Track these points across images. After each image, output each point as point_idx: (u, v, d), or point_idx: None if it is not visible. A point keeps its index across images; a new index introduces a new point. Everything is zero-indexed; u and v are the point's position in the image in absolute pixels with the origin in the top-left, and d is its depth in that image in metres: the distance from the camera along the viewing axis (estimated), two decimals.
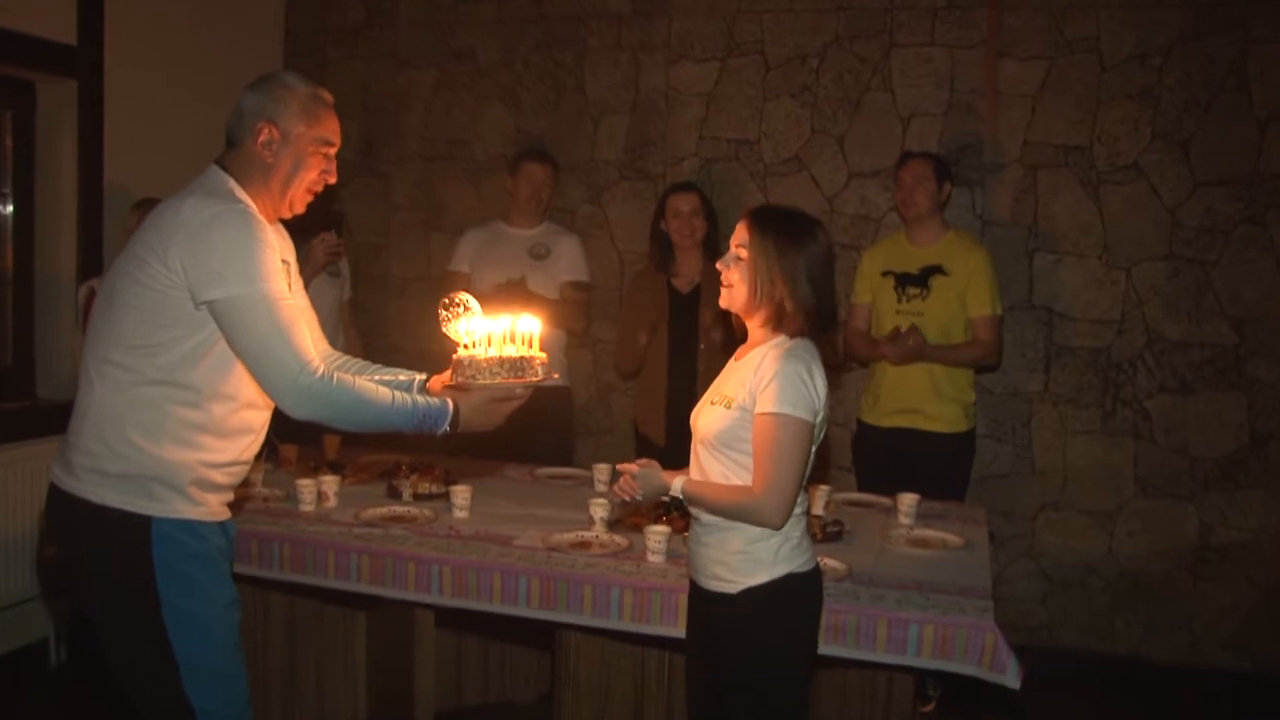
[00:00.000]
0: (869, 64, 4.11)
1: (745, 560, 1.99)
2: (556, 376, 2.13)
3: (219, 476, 1.99)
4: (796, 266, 1.97)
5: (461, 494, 2.85)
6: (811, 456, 2.01)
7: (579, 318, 3.88)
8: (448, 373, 2.11)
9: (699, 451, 2.07)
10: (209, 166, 2.01)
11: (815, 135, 4.20)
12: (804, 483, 1.99)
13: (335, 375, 1.90)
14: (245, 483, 2.78)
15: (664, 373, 3.64)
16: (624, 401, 4.51)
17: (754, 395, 1.95)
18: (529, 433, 3.75)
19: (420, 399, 2.02)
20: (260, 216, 1.92)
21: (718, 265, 2.07)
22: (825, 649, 2.18)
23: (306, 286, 3.36)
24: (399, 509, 2.86)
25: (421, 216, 4.82)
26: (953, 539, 2.69)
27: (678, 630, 2.27)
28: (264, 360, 1.86)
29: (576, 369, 4.50)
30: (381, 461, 3.34)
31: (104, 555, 1.92)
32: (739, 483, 1.98)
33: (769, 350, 1.99)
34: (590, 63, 4.50)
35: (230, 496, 2.07)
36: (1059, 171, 3.91)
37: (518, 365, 2.05)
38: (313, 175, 2.03)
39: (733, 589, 2.00)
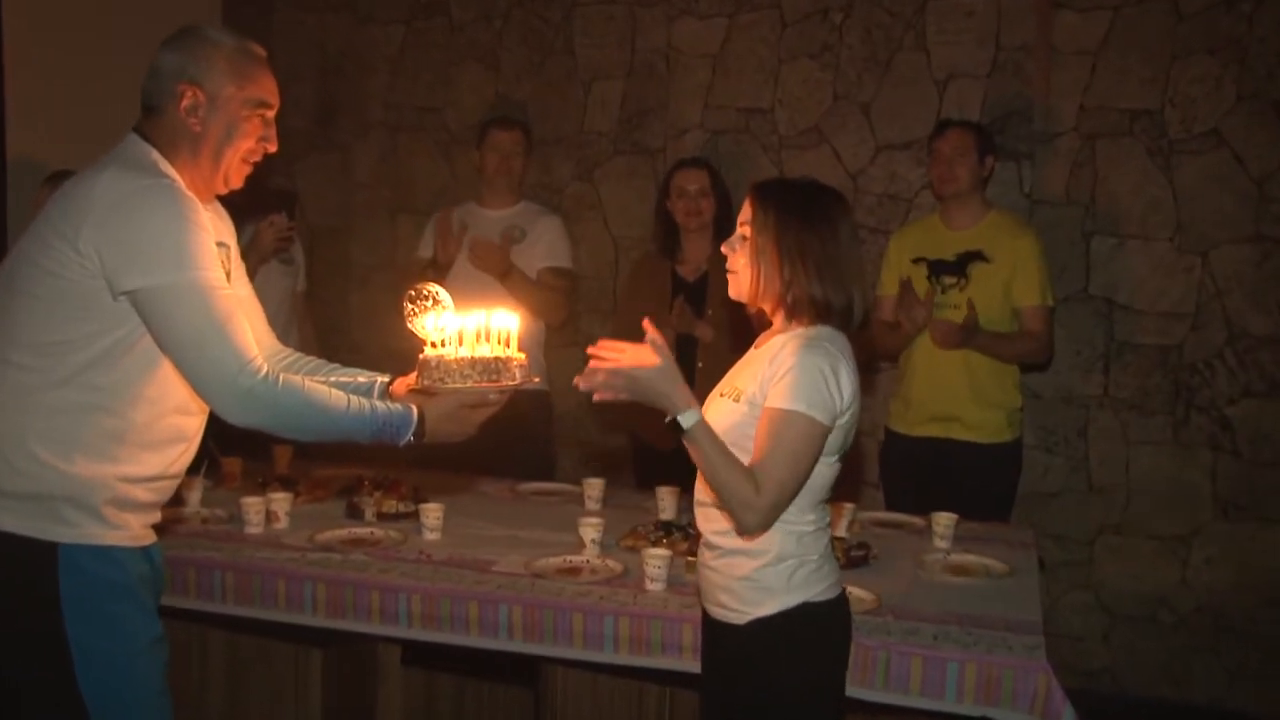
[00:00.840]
0: (900, 19, 4.11)
1: (753, 587, 1.98)
2: (537, 380, 2.12)
3: (141, 493, 1.97)
4: (804, 248, 1.95)
5: (432, 513, 2.84)
6: (832, 471, 2.00)
7: (558, 308, 3.87)
8: (413, 375, 2.11)
9: None
10: (127, 135, 1.98)
11: (838, 102, 4.20)
12: (797, 493, 1.95)
13: (281, 376, 1.89)
14: (179, 501, 2.78)
15: None
16: (616, 407, 4.49)
17: (765, 388, 1.94)
18: (505, 443, 3.76)
19: (381, 404, 2.01)
20: (190, 193, 1.90)
21: (723, 249, 2.06)
22: (851, 690, 2.16)
23: (253, 275, 3.36)
24: (360, 531, 2.86)
25: (386, 195, 4.82)
26: (996, 565, 2.69)
27: (682, 663, 2.28)
28: (197, 359, 1.84)
29: (563, 370, 4.49)
30: (340, 476, 3.34)
31: (2, 589, 1.89)
32: None
33: (788, 340, 1.97)
34: (580, 19, 4.50)
35: (155, 517, 2.05)
36: (1122, 141, 3.91)
37: (492, 367, 2.04)
38: (249, 144, 2.00)
39: (740, 619, 1.99)
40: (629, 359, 1.92)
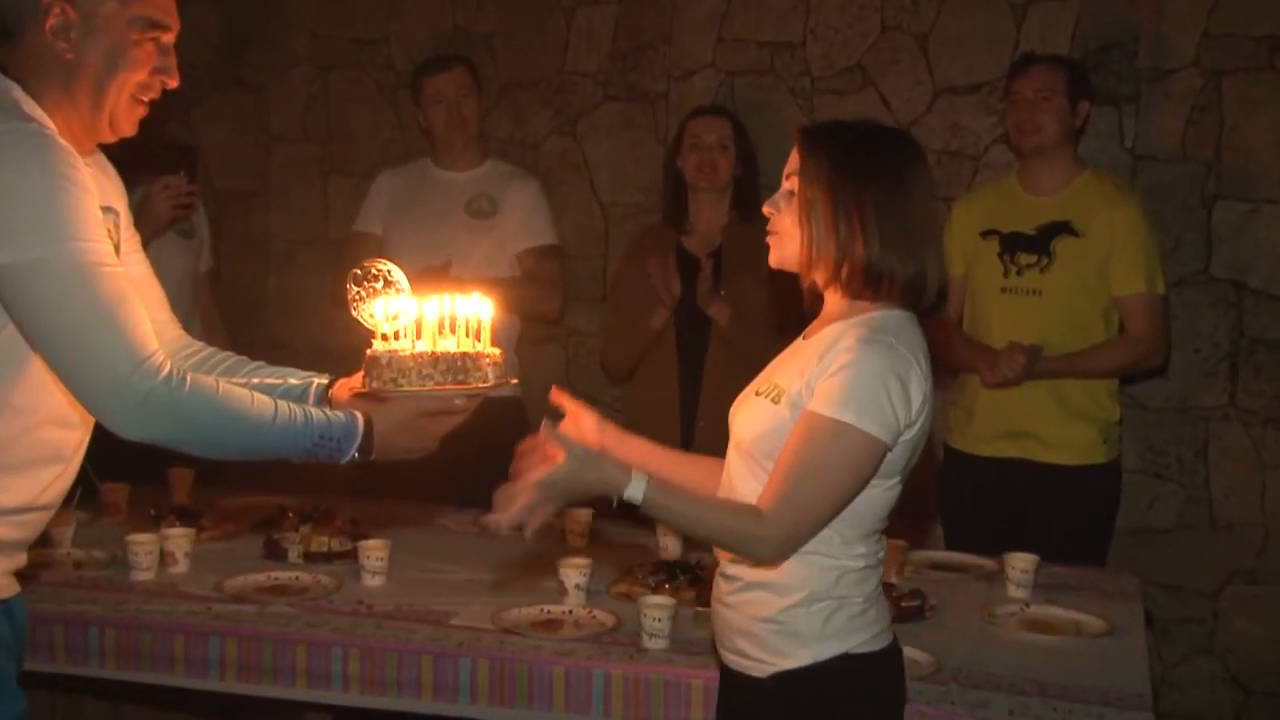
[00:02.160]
0: None
1: (779, 632, 1.96)
2: (515, 381, 2.12)
3: (4, 530, 1.95)
4: (864, 204, 1.95)
5: (374, 553, 2.83)
6: (891, 495, 1.99)
7: (547, 298, 3.88)
8: (358, 375, 2.10)
9: (732, 460, 2.06)
10: None
11: (887, 34, 4.21)
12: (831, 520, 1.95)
13: (189, 377, 1.87)
14: (45, 541, 2.76)
15: (672, 372, 3.64)
16: (609, 417, 4.48)
17: (813, 386, 1.94)
18: (468, 464, 3.75)
19: (317, 412, 2.00)
20: (64, 143, 1.86)
21: (765, 209, 2.05)
22: None
23: (145, 249, 3.33)
24: (283, 575, 2.85)
25: (315, 151, 4.81)
26: (1090, 621, 2.68)
27: None
28: (78, 355, 1.81)
29: (541, 372, 4.49)
30: (256, 506, 3.32)
31: None
32: None
33: (847, 329, 1.96)
34: None
35: (21, 560, 2.02)
36: (1259, 77, 3.90)
37: (459, 365, 2.04)
38: (139, 76, 1.96)
39: (761, 671, 1.98)
40: (532, 471, 1.94)
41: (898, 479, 2.00)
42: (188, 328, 3.43)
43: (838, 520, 1.94)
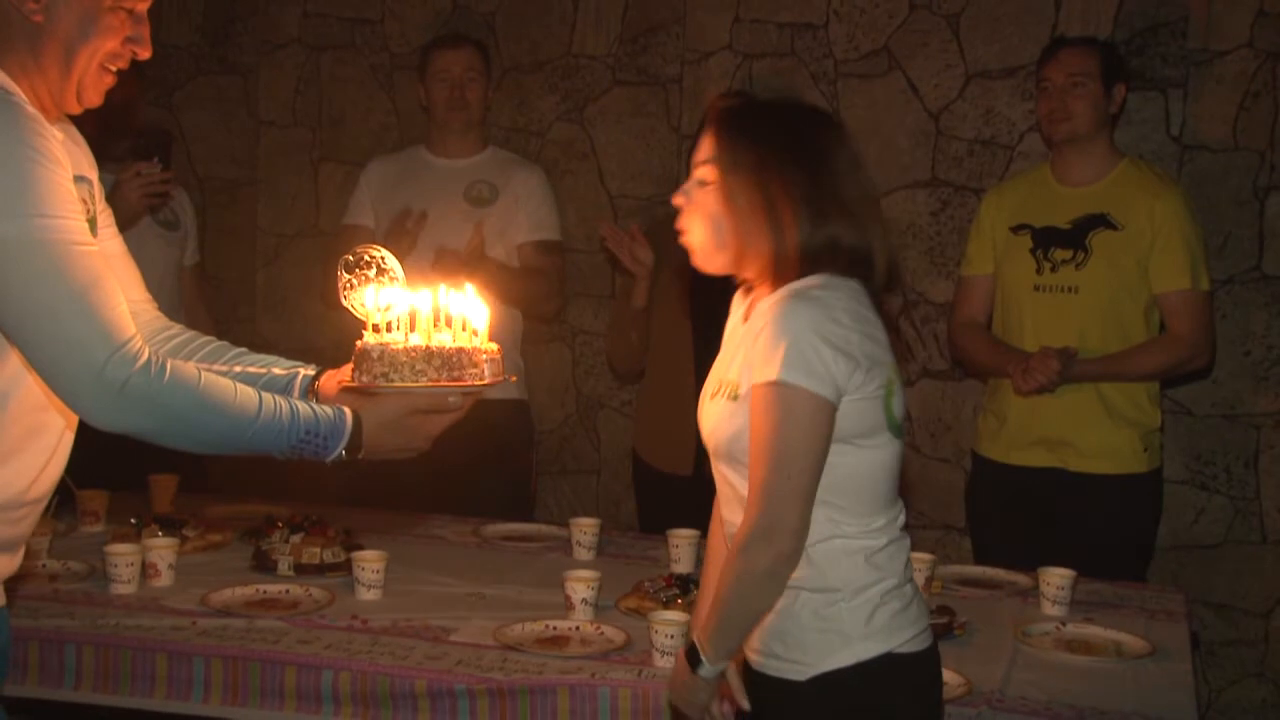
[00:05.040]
0: None
1: (821, 632, 1.98)
2: (514, 379, 2.13)
3: None
4: (790, 186, 1.96)
5: (370, 564, 2.84)
6: (888, 453, 2.01)
7: (547, 295, 3.90)
8: (347, 368, 2.11)
9: (718, 467, 2.09)
10: None
11: (916, 14, 4.21)
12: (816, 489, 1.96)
13: (168, 365, 1.87)
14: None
15: (690, 370, 3.64)
16: (618, 423, 4.51)
17: (753, 369, 1.95)
18: (469, 470, 3.77)
19: (303, 407, 2.00)
20: (32, 109, 1.86)
21: (675, 200, 2.07)
22: None
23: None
24: (272, 589, 2.85)
25: (305, 137, 4.83)
26: (1131, 641, 2.68)
27: None
28: (49, 340, 1.80)
29: (544, 373, 4.51)
30: (244, 515, 3.33)
31: None
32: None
33: (771, 303, 1.98)
34: None
35: (11, 564, 2.03)
36: None
37: (454, 360, 2.04)
38: (110, 44, 1.95)
39: (800, 674, 1.99)
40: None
41: (883, 437, 2.00)
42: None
43: (835, 497, 1.96)
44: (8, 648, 2.07)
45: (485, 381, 2.07)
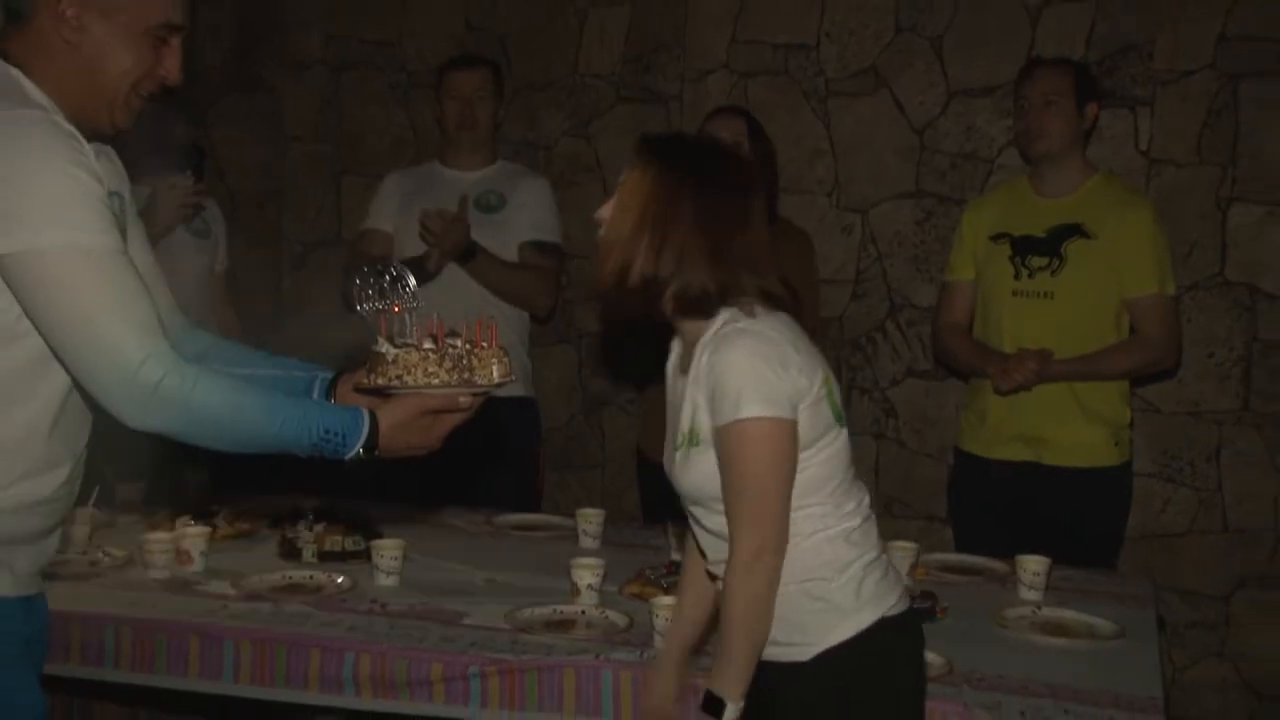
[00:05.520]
0: None
1: (822, 611, 2.00)
2: (513, 379, 2.12)
3: (34, 520, 1.96)
4: (710, 226, 1.98)
5: (389, 552, 2.84)
6: (840, 443, 2.03)
7: (542, 293, 3.91)
8: (363, 371, 2.09)
9: (693, 514, 2.10)
10: None
11: (901, 36, 4.21)
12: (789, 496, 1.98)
13: (197, 369, 1.87)
14: (62, 539, 2.77)
15: None
16: (621, 420, 4.51)
17: (713, 413, 1.97)
18: (480, 465, 3.77)
19: (323, 407, 2.00)
20: (69, 128, 1.86)
21: (597, 215, 2.10)
22: None
23: (155, 248, 3.32)
24: (297, 575, 2.86)
25: (328, 152, 4.83)
26: (1102, 624, 2.68)
27: None
28: (86, 346, 1.80)
29: (551, 373, 4.51)
30: (270, 506, 3.34)
31: None
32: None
33: (706, 345, 2.00)
34: None
35: (47, 553, 2.04)
36: (1277, 81, 3.90)
37: (463, 363, 2.04)
38: (143, 70, 1.96)
39: (804, 654, 2.01)
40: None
41: (830, 434, 2.02)
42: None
43: (810, 498, 1.98)
44: (45, 632, 2.07)
45: (494, 382, 2.07)
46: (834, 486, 2.02)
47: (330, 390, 2.17)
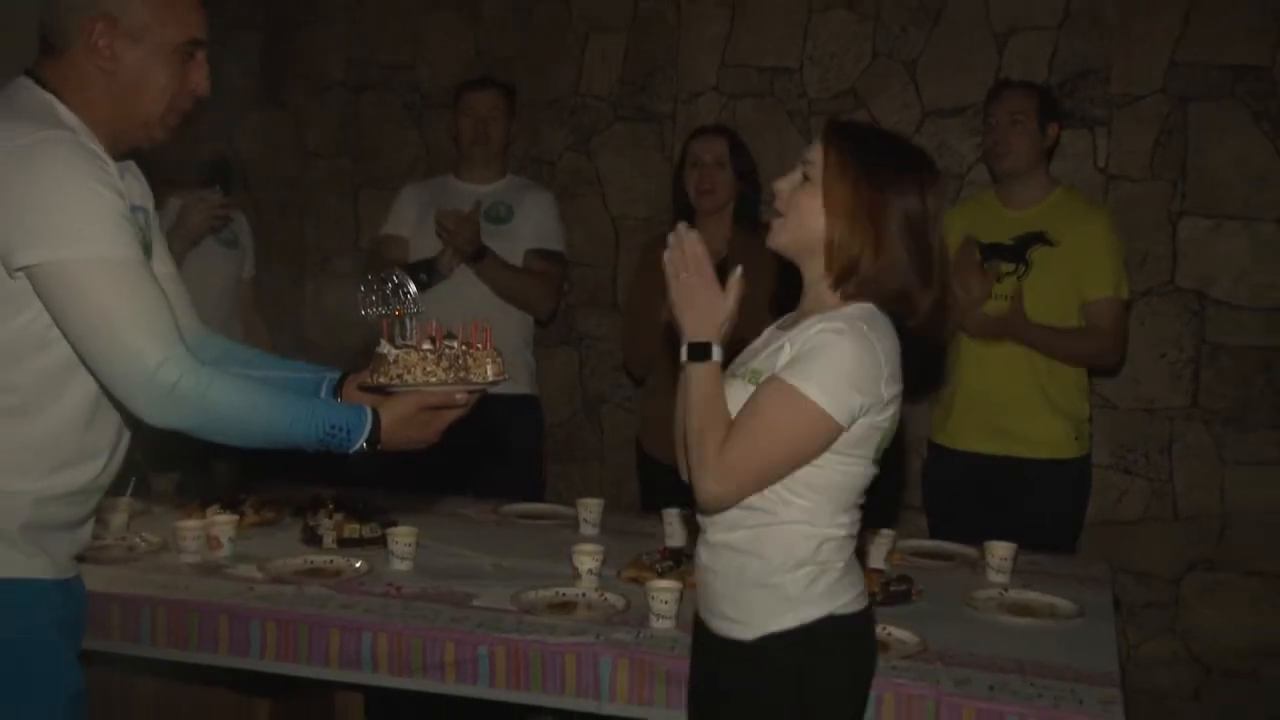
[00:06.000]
0: None
1: (768, 596, 1.96)
2: (506, 378, 2.12)
3: (71, 509, 1.97)
4: (890, 213, 1.92)
5: (403, 539, 2.85)
6: (869, 474, 2.00)
7: (544, 296, 3.91)
8: (367, 371, 2.10)
9: None
10: (16, 79, 1.94)
11: (878, 60, 4.22)
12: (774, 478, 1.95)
13: (212, 370, 1.88)
14: (102, 526, 2.78)
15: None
16: (619, 416, 4.52)
17: (784, 364, 1.93)
18: (488, 458, 3.78)
19: (329, 405, 2.01)
20: (94, 148, 1.86)
21: (776, 185, 2.02)
22: None
23: (180, 261, 3.35)
24: (318, 559, 2.87)
25: (347, 167, 4.83)
26: (1064, 605, 2.69)
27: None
28: (108, 350, 1.81)
29: (555, 374, 4.51)
30: (293, 496, 3.35)
31: None
32: (775, 497, 1.95)
33: (829, 317, 1.94)
34: None
35: (82, 540, 2.04)
36: (1221, 105, 3.91)
37: (459, 362, 2.04)
38: (174, 88, 1.96)
39: (748, 634, 1.98)
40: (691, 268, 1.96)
41: (870, 459, 1.99)
42: (230, 332, 3.49)
43: (819, 493, 1.95)
44: (83, 613, 2.08)
45: (488, 380, 2.07)
46: (839, 496, 1.98)
47: (337, 389, 2.18)
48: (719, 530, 2.02)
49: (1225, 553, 3.97)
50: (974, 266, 3.43)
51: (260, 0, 4.83)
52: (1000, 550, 2.89)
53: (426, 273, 3.63)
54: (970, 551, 3.09)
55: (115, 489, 2.11)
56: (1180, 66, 3.93)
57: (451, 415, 2.06)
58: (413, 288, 2.18)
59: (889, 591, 2.66)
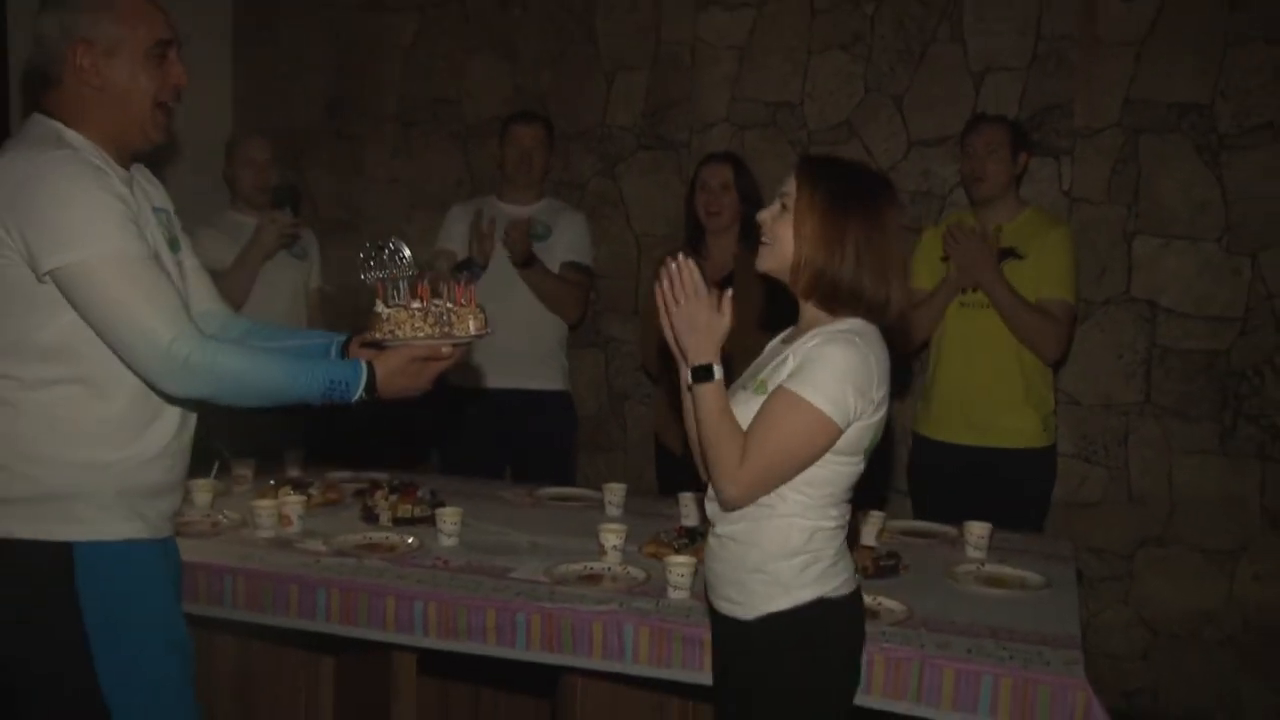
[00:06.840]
0: (935, 7, 4.11)
1: (764, 581, 1.98)
2: (489, 332, 2.11)
3: (155, 474, 1.98)
4: (846, 233, 1.94)
5: (450, 518, 2.86)
6: (857, 470, 2.00)
7: (575, 303, 3.93)
8: (369, 332, 2.11)
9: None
10: (31, 115, 1.98)
11: (869, 95, 4.21)
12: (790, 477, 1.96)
13: (218, 342, 1.90)
14: (190, 505, 2.80)
15: None
16: (640, 411, 4.52)
17: (788, 376, 1.95)
18: (526, 447, 3.79)
19: (329, 362, 2.03)
20: (94, 161, 1.89)
21: (760, 216, 2.06)
22: (881, 702, 2.19)
23: (256, 269, 3.37)
24: (375, 536, 2.89)
25: (400, 190, 4.85)
26: (1033, 577, 2.69)
27: (705, 675, 2.29)
28: (126, 334, 1.83)
29: (584, 373, 4.52)
30: (355, 479, 3.37)
31: (17, 597, 1.90)
32: (775, 493, 1.97)
33: (824, 332, 1.97)
34: (602, 7, 4.52)
35: (175, 501, 2.06)
36: (1168, 138, 3.90)
37: (444, 319, 2.05)
38: (157, 85, 1.97)
39: (747, 614, 2.00)
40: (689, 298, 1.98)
41: (860, 457, 2.00)
42: None
43: (813, 488, 1.96)
44: (180, 571, 2.12)
45: (470, 334, 2.07)
46: (831, 490, 1.99)
47: (344, 350, 2.20)
48: (724, 524, 2.03)
49: (1173, 531, 3.96)
50: (967, 231, 3.40)
51: (324, 48, 4.85)
52: (977, 529, 2.89)
53: (468, 267, 3.65)
54: (951, 531, 3.09)
55: (201, 472, 2.13)
56: (1133, 103, 3.92)
57: (440, 366, 2.07)
58: (407, 252, 2.16)
59: (879, 566, 2.66)
